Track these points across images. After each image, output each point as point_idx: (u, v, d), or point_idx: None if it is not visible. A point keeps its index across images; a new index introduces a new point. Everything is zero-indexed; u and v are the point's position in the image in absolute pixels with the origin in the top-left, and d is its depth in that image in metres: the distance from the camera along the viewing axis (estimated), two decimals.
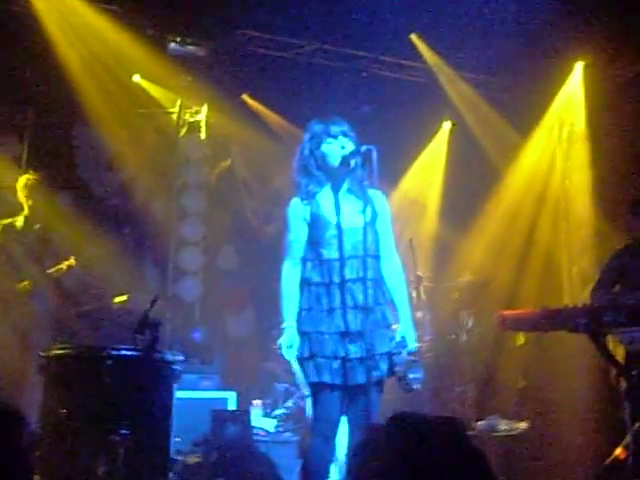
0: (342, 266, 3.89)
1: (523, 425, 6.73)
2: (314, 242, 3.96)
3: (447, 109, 9.19)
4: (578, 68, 8.51)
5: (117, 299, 7.35)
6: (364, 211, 3.92)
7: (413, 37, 8.47)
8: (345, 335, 3.83)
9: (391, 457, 1.48)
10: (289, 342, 3.87)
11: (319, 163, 4.04)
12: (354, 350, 3.81)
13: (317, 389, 3.87)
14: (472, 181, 8.91)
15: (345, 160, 3.99)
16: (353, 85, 8.81)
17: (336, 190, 4.04)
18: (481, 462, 1.55)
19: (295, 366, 3.89)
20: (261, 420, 7.18)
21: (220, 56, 8.60)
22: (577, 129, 8.63)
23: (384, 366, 3.90)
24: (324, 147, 4.03)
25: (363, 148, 3.92)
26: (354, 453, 1.56)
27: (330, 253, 3.93)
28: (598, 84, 8.32)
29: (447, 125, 9.68)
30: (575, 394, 6.40)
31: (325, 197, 4.04)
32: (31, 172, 7.11)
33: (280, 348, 3.92)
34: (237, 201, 9.59)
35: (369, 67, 8.94)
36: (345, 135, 4.04)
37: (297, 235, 4.01)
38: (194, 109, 9.30)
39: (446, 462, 1.48)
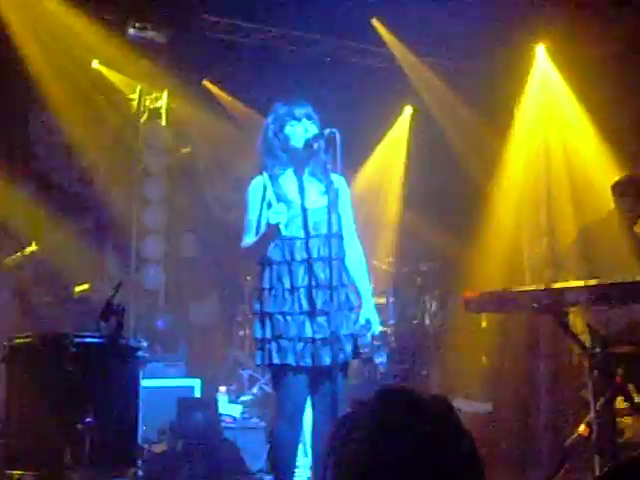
0: (305, 244, 3.89)
1: (487, 406, 6.80)
2: None
3: (409, 94, 9.19)
4: (540, 51, 8.50)
5: (78, 288, 7.23)
6: (326, 193, 3.93)
7: (374, 22, 8.45)
8: (309, 315, 3.82)
9: (378, 433, 1.44)
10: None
11: (283, 145, 4.03)
12: (318, 330, 3.79)
13: (280, 372, 3.85)
14: (434, 167, 8.93)
15: (308, 143, 3.98)
16: (315, 71, 8.76)
17: (299, 172, 4.06)
18: (470, 444, 1.52)
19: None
20: (227, 406, 7.17)
21: (180, 41, 8.51)
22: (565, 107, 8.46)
23: (348, 348, 3.90)
24: (287, 129, 4.02)
25: (326, 131, 3.89)
26: (336, 429, 1.53)
27: (291, 231, 3.90)
28: (567, 64, 8.28)
29: (408, 110, 9.68)
30: (538, 374, 6.47)
31: (288, 179, 4.05)
32: None
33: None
34: (198, 188, 9.52)
35: (331, 52, 8.91)
36: (309, 118, 4.04)
37: (256, 215, 3.97)
38: (154, 95, 9.20)
39: (437, 440, 1.46)
